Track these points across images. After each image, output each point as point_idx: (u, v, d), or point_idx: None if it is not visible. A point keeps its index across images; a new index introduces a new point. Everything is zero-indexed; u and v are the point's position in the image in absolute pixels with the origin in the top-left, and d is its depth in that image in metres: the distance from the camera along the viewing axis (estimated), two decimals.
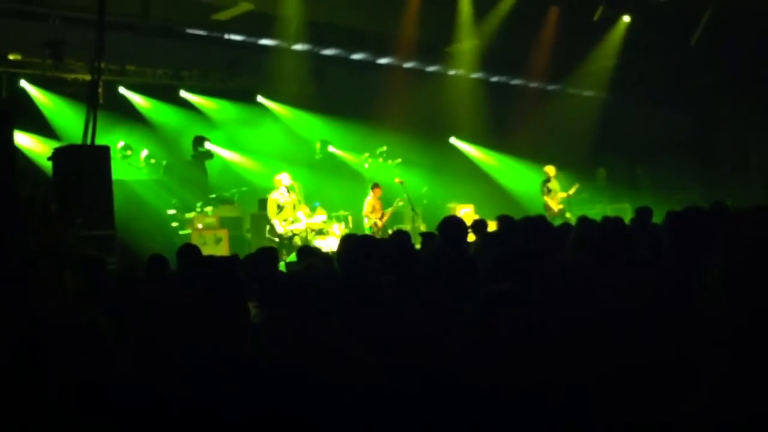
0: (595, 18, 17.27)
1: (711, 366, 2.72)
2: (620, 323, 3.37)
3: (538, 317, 3.09)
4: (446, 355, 3.10)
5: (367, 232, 13.65)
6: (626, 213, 14.45)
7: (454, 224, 5.59)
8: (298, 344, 3.38)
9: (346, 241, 4.84)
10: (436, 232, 5.78)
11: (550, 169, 15.36)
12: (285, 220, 12.24)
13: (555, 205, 14.87)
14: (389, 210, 14.22)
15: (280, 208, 12.27)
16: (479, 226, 8.88)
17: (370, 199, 14.03)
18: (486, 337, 2.99)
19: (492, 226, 8.78)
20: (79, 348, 3.34)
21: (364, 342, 3.36)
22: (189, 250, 6.19)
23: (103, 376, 3.29)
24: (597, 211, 15.84)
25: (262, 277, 4.39)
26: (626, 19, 18.05)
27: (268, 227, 12.44)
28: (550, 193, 15.09)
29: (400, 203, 14.33)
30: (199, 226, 12.99)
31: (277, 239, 12.18)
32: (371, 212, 13.93)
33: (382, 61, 18.23)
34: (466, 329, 3.08)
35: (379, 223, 13.85)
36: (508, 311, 3.00)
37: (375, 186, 14.21)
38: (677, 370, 2.95)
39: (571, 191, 15.13)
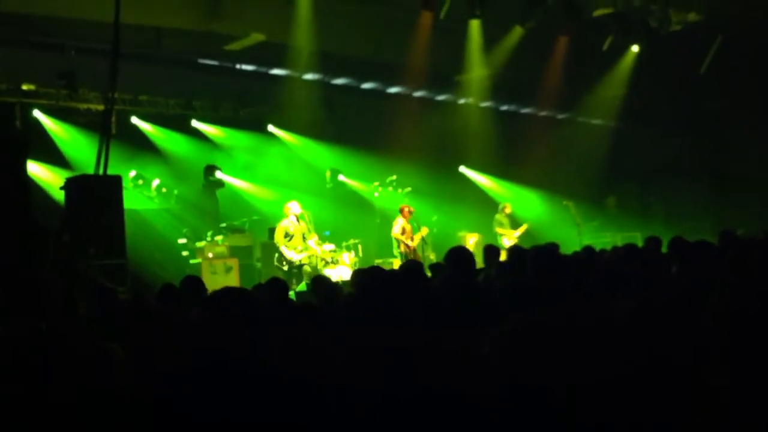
0: (605, 47, 17.35)
1: (712, 381, 2.77)
2: (628, 349, 3.38)
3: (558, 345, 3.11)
4: (459, 381, 3.11)
5: (396, 254, 13.45)
6: (636, 242, 14.41)
7: (459, 255, 5.62)
8: (307, 367, 3.40)
9: (360, 272, 4.89)
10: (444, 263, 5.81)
11: (507, 207, 15.99)
12: (294, 249, 12.19)
13: (509, 238, 15.09)
14: (417, 234, 13.67)
15: (288, 236, 12.23)
16: (491, 251, 8.84)
17: (401, 222, 13.62)
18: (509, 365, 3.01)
19: (503, 255, 8.78)
20: (91, 373, 3.36)
21: (373, 368, 3.37)
22: (191, 284, 6.16)
23: (112, 401, 3.30)
24: (607, 239, 15.80)
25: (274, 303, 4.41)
26: (635, 48, 18.14)
27: (276, 255, 12.39)
28: (502, 226, 15.56)
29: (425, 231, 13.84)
30: (210, 255, 13.02)
31: (285, 267, 12.12)
32: (401, 234, 13.49)
33: (392, 90, 18.33)
34: (488, 354, 3.09)
35: (411, 244, 13.42)
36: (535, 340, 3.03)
37: (403, 208, 13.81)
38: (681, 387, 2.98)
39: (519, 232, 15.40)
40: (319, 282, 7.05)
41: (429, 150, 17.07)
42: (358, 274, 4.81)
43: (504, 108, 20.16)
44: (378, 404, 3.13)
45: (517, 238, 15.08)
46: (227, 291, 3.67)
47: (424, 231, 13.74)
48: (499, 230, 15.49)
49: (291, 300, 6.39)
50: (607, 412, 2.92)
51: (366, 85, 18.20)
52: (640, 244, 9.99)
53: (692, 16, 16.57)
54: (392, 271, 6.38)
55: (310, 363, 3.40)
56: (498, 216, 15.81)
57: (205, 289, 6.07)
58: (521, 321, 3.06)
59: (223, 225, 14.33)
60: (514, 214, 16.37)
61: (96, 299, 6.06)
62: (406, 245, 13.39)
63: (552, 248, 6.83)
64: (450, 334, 3.60)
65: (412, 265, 6.66)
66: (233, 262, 13.03)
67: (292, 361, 3.44)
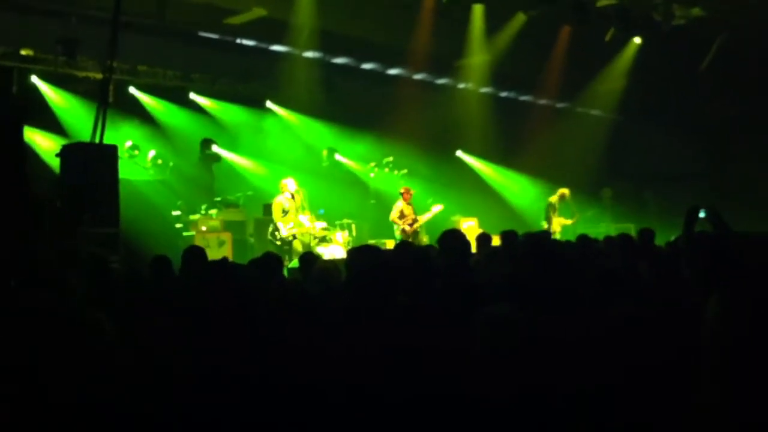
0: (607, 39, 17.32)
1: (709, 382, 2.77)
2: (618, 344, 3.39)
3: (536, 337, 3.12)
4: (447, 368, 3.12)
5: (397, 238, 13.50)
6: (630, 233, 14.41)
7: (455, 238, 5.58)
8: (306, 356, 3.40)
9: (354, 252, 4.84)
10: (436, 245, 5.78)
11: (566, 191, 15.18)
12: (287, 225, 12.33)
13: (555, 226, 14.83)
14: (423, 216, 13.90)
15: (285, 212, 12.36)
16: (483, 239, 8.92)
17: (399, 205, 13.78)
18: (487, 356, 3.02)
19: (495, 241, 8.82)
20: (81, 347, 3.36)
21: (368, 353, 3.38)
22: (194, 253, 6.21)
23: (103, 377, 3.30)
24: (601, 230, 15.83)
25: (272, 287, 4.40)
26: (637, 41, 18.09)
27: (270, 229, 12.50)
28: (555, 212, 15.10)
29: (436, 209, 14.08)
30: (203, 228, 13.01)
31: (278, 242, 12.24)
32: (399, 218, 13.64)
33: (393, 71, 18.29)
34: (468, 346, 3.10)
35: (408, 230, 13.53)
36: (508, 333, 3.04)
37: (404, 192, 13.92)
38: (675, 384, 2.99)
39: (572, 221, 15.04)
40: (306, 260, 7.05)
41: (426, 133, 17.06)
42: (352, 254, 4.74)
43: (503, 95, 20.14)
44: (375, 405, 3.13)
45: (561, 227, 14.80)
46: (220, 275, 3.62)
47: (439, 208, 13.81)
48: (551, 215, 14.95)
49: (284, 281, 6.39)
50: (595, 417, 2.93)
51: (366, 66, 18.14)
52: (633, 235, 10.02)
53: (696, 11, 16.52)
54: (388, 253, 6.29)
55: (306, 361, 3.40)
56: (552, 200, 15.12)
57: (207, 260, 6.09)
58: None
59: (218, 199, 14.29)
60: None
61: (86, 269, 6.05)
62: (404, 230, 13.45)
63: (544, 236, 6.86)
64: (444, 333, 3.59)
65: (404, 246, 6.63)
66: (226, 236, 13.03)
67: (286, 359, 3.43)
